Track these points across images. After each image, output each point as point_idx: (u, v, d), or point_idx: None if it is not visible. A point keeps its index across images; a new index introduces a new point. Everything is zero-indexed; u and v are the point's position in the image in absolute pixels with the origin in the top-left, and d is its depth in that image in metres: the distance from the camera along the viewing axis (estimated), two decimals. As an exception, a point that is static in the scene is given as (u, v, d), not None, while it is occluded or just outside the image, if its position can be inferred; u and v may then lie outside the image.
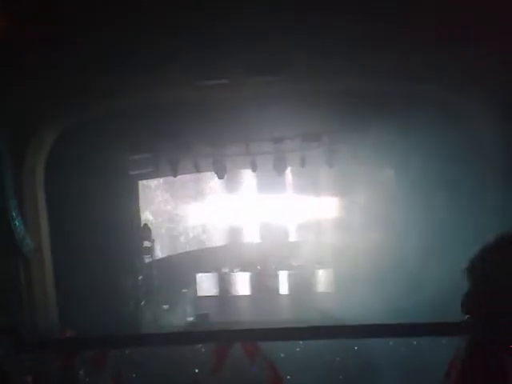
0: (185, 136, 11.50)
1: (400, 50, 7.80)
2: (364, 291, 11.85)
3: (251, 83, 9.36)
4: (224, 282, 14.08)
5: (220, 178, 13.60)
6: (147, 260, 13.94)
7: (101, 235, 10.86)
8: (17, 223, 9.28)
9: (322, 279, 13.91)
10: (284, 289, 13.91)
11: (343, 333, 3.89)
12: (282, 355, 8.30)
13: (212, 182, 15.32)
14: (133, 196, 13.69)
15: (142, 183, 14.26)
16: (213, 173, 13.57)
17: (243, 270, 14.41)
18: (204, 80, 9.02)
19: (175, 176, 13.38)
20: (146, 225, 14.17)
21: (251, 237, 15.81)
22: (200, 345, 7.39)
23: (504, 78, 8.09)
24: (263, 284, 13.89)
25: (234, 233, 16.04)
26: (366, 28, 7.13)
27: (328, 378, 8.13)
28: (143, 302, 13.05)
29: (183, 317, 12.42)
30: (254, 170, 13.64)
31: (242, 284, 13.97)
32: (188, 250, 15.61)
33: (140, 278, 13.22)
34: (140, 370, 8.19)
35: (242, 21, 6.79)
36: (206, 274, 14.20)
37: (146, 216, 14.48)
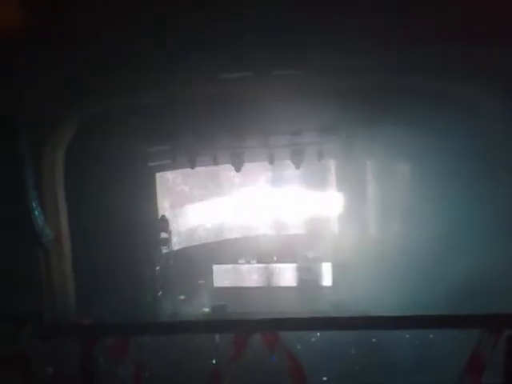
0: (203, 128, 11.53)
1: (416, 46, 7.79)
2: (378, 284, 11.85)
3: (272, 76, 9.38)
4: (240, 274, 14.10)
5: (237, 170, 13.62)
6: (164, 251, 14.02)
7: (119, 226, 10.96)
8: (36, 213, 9.41)
9: (337, 271, 13.87)
10: (299, 280, 13.90)
11: (361, 324, 3.91)
12: (299, 346, 8.37)
13: (229, 174, 15.29)
14: (150, 187, 13.78)
15: (159, 175, 14.32)
16: (230, 165, 13.59)
17: (260, 261, 14.42)
18: (226, 73, 9.06)
19: (193, 168, 13.41)
20: (163, 216, 14.25)
21: (268, 229, 15.82)
22: (218, 334, 7.48)
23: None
24: (280, 275, 13.92)
25: (251, 225, 16.06)
26: (384, 25, 7.14)
27: (344, 369, 8.17)
28: (160, 293, 13.14)
29: (200, 308, 12.49)
30: (271, 162, 13.65)
31: (258, 275, 14.00)
32: (205, 241, 15.66)
33: (157, 268, 13.32)
34: (159, 359, 8.29)
35: (265, 14, 6.82)
36: (222, 265, 14.22)
37: (164, 207, 14.55)
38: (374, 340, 8.93)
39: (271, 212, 16.04)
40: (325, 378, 7.95)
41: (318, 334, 9.21)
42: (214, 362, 7.57)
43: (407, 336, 8.82)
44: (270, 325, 3.78)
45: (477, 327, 3.33)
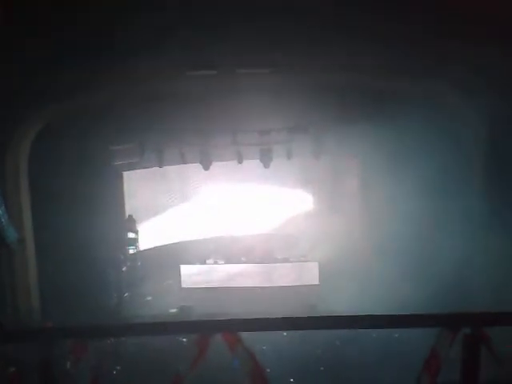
0: (171, 126, 11.46)
1: (388, 46, 7.84)
2: (349, 284, 11.96)
3: (240, 75, 9.36)
4: (209, 274, 14.01)
5: (205, 169, 13.58)
6: (131, 251, 13.90)
7: (85, 226, 10.79)
8: (0, 213, 9.20)
9: (307, 272, 13.90)
10: (268, 281, 13.89)
11: (327, 324, 3.90)
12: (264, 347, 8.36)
13: (198, 173, 15.16)
14: (117, 186, 13.62)
15: (126, 174, 14.16)
16: (198, 164, 13.54)
17: (228, 261, 14.38)
18: (193, 70, 9.00)
19: (160, 166, 13.35)
20: (130, 216, 14.11)
21: (236, 229, 15.79)
22: (181, 335, 7.41)
23: (488, 74, 8.17)
24: (248, 275, 13.88)
25: (219, 224, 16.01)
26: (357, 24, 7.17)
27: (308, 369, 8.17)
28: (127, 294, 13.00)
29: (167, 309, 12.36)
30: (239, 161, 13.63)
31: (226, 276, 13.93)
32: (173, 241, 15.54)
33: (124, 269, 13.18)
34: (121, 362, 8.21)
35: (233, 12, 6.78)
36: (190, 265, 14.11)
37: (131, 207, 14.39)
38: (337, 343, 8.99)
39: (240, 211, 16.03)
40: (292, 380, 7.97)
41: (285, 333, 9.24)
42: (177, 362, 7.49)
43: (374, 335, 8.88)
44: (232, 325, 3.74)
45: (434, 326, 3.36)
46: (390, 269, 11.21)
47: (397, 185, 11.20)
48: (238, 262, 14.34)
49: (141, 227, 14.47)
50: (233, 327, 3.67)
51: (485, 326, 3.27)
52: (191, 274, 13.88)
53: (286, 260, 14.34)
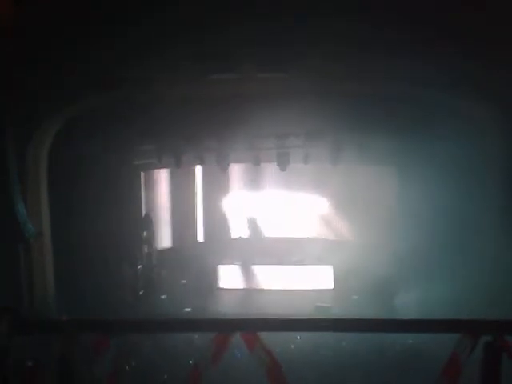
0: (190, 129, 11.51)
1: (407, 56, 7.85)
2: (365, 288, 11.96)
3: (260, 79, 9.41)
4: (225, 276, 14.00)
5: (222, 170, 13.65)
6: (147, 250, 13.95)
7: (102, 224, 10.89)
8: (19, 208, 9.33)
9: (328, 275, 13.77)
10: (284, 284, 13.83)
11: (344, 326, 3.91)
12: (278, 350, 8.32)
13: (216, 175, 15.13)
14: (135, 186, 13.71)
15: (145, 173, 14.26)
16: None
17: (243, 263, 14.34)
18: (214, 74, 9.07)
19: (179, 167, 13.39)
20: (147, 215, 14.17)
21: (254, 231, 15.77)
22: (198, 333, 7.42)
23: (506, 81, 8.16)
24: (264, 277, 13.86)
25: (236, 227, 16.02)
26: (376, 33, 7.19)
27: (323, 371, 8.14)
28: (142, 292, 13.05)
29: (181, 308, 12.36)
30: (256, 164, 13.67)
31: (241, 277, 13.93)
32: (189, 241, 15.61)
33: (139, 267, 13.23)
34: (139, 358, 8.25)
35: (255, 17, 6.83)
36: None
37: (148, 206, 14.46)
38: (343, 343, 8.95)
39: (258, 214, 16.00)
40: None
41: (299, 337, 9.24)
42: (190, 362, 7.48)
43: (389, 340, 8.85)
44: (250, 324, 3.76)
45: (454, 332, 3.36)
46: (409, 274, 11.20)
47: (414, 194, 11.20)
48: (255, 263, 14.31)
49: (157, 226, 14.55)
50: (252, 327, 3.69)
51: (506, 334, 3.25)
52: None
53: (301, 262, 14.25)
